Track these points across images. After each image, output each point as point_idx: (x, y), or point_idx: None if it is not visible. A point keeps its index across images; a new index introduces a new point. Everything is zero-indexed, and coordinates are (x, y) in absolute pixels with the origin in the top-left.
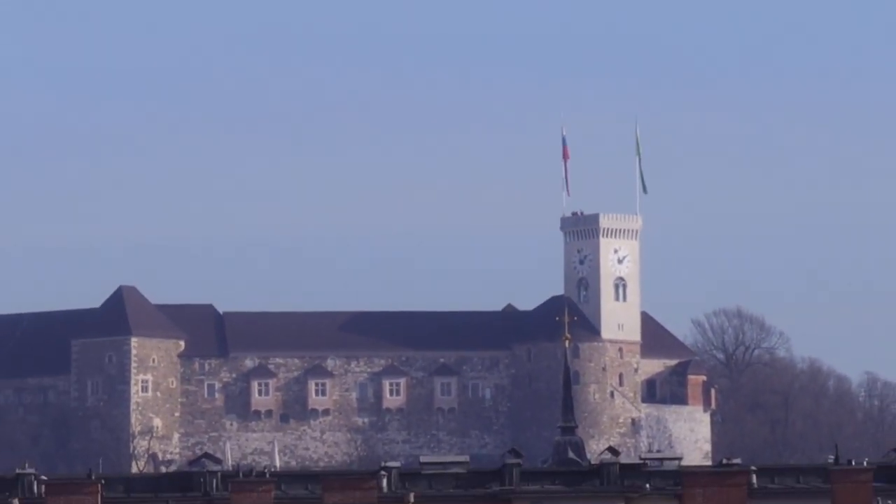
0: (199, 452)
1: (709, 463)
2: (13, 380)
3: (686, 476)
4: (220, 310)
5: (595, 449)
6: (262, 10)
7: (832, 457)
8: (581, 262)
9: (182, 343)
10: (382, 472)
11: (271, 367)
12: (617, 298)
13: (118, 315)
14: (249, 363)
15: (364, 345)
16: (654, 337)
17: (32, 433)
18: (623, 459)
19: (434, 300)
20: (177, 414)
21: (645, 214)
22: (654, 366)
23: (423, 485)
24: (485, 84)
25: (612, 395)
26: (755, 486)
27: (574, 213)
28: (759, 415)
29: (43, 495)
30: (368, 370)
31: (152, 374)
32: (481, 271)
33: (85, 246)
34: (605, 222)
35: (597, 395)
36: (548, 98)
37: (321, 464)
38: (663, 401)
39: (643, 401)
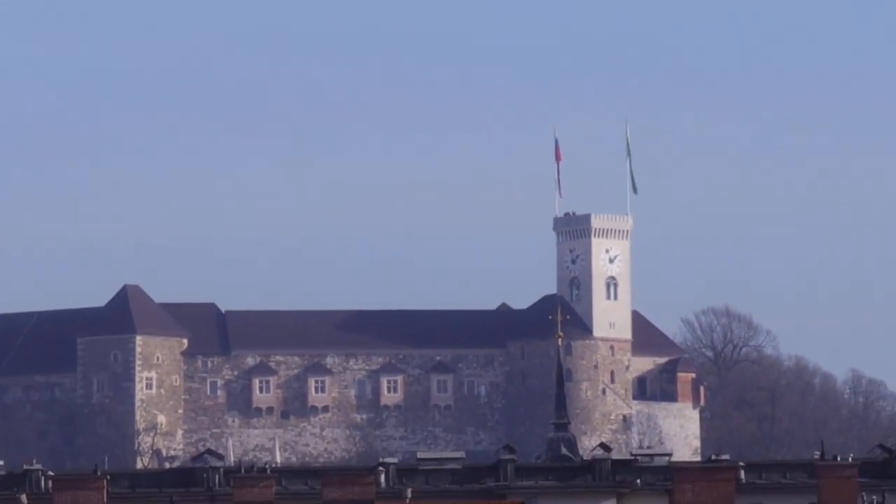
0: (201, 448)
1: (698, 459)
2: (20, 377)
3: (676, 471)
4: (223, 308)
5: (587, 445)
6: (261, 12)
7: (818, 453)
8: (573, 262)
9: (185, 341)
10: (380, 468)
11: (272, 364)
12: (608, 297)
13: (123, 314)
14: (251, 361)
15: (362, 343)
16: (645, 335)
17: (39, 429)
18: (614, 455)
19: (430, 299)
20: (180, 411)
21: (636, 215)
22: (644, 363)
23: (420, 480)
24: (478, 88)
25: (603, 392)
26: (743, 481)
27: (566, 214)
28: (746, 411)
29: (50, 490)
30: (367, 368)
31: (156, 372)
32: (476, 271)
33: (90, 246)
34: (596, 223)
35: (589, 392)
36: (540, 101)
37: (321, 460)
38: (654, 398)
39: (634, 398)
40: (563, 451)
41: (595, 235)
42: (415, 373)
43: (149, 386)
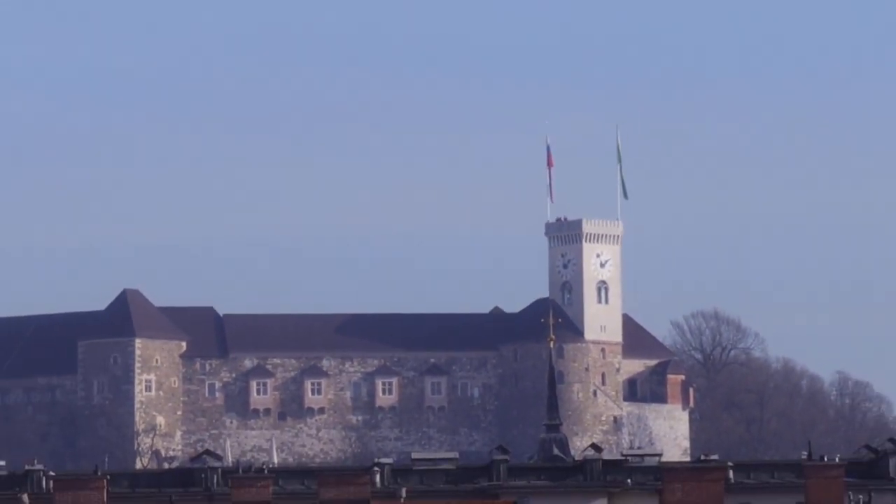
0: (200, 449)
1: (687, 459)
2: (22, 380)
3: (666, 472)
4: (221, 312)
5: (579, 446)
6: (261, 14)
7: (805, 453)
8: (565, 267)
9: (184, 344)
10: (376, 468)
11: (269, 367)
12: (599, 301)
13: (123, 317)
14: (248, 363)
15: (358, 346)
16: (635, 338)
17: (41, 431)
18: (605, 456)
19: (424, 303)
20: (179, 412)
21: (626, 220)
22: (634, 366)
23: (414, 480)
24: (472, 95)
25: (594, 393)
26: (732, 481)
27: (558, 219)
28: (735, 413)
29: (51, 490)
30: (362, 370)
31: (155, 374)
32: (469, 275)
33: (90, 250)
34: (587, 228)
35: (580, 394)
36: (532, 108)
37: (317, 460)
38: (644, 399)
39: (625, 399)
40: (555, 451)
41: (586, 240)
42: (409, 375)
43: (148, 388)
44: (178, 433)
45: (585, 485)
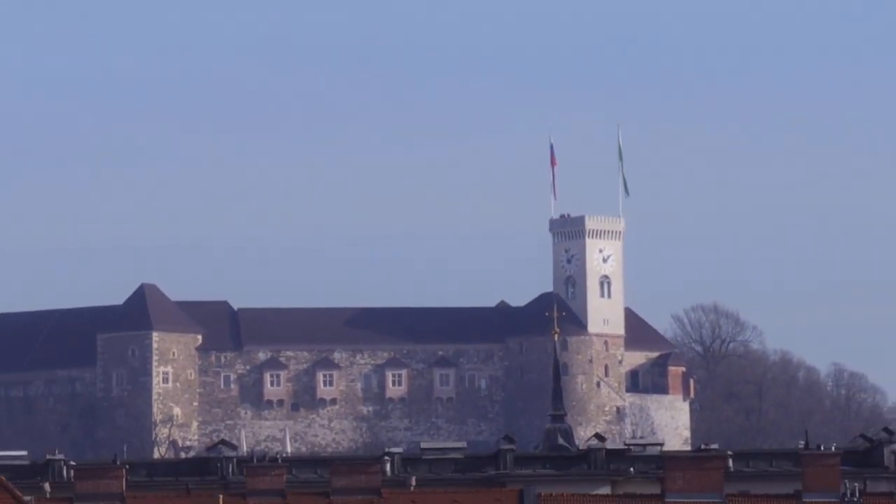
0: (216, 439)
1: (688, 448)
2: (43, 372)
3: (667, 460)
4: (235, 306)
5: (583, 435)
6: (265, 17)
7: (802, 442)
8: (568, 262)
9: (200, 337)
10: (386, 458)
11: (282, 359)
12: (602, 295)
13: (140, 311)
14: (262, 356)
15: (368, 339)
16: (637, 331)
17: (61, 422)
18: (609, 445)
19: (433, 297)
20: (195, 403)
21: (628, 216)
22: (637, 358)
23: (423, 469)
24: (477, 96)
25: (598, 385)
26: (731, 469)
27: (561, 216)
28: (734, 403)
29: (72, 479)
30: (372, 362)
31: (172, 367)
32: (476, 270)
33: (109, 247)
34: (590, 224)
35: (584, 386)
36: (536, 108)
37: (329, 450)
38: (646, 390)
39: (627, 390)
40: (560, 441)
41: (589, 236)
42: (418, 367)
43: (165, 380)
44: (195, 423)
45: (589, 473)
